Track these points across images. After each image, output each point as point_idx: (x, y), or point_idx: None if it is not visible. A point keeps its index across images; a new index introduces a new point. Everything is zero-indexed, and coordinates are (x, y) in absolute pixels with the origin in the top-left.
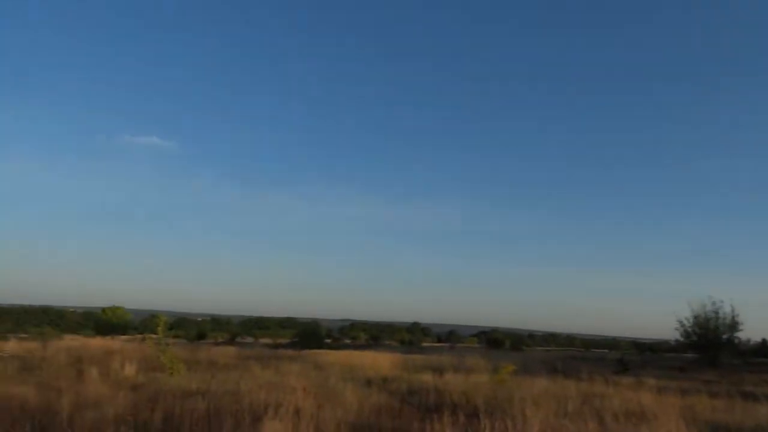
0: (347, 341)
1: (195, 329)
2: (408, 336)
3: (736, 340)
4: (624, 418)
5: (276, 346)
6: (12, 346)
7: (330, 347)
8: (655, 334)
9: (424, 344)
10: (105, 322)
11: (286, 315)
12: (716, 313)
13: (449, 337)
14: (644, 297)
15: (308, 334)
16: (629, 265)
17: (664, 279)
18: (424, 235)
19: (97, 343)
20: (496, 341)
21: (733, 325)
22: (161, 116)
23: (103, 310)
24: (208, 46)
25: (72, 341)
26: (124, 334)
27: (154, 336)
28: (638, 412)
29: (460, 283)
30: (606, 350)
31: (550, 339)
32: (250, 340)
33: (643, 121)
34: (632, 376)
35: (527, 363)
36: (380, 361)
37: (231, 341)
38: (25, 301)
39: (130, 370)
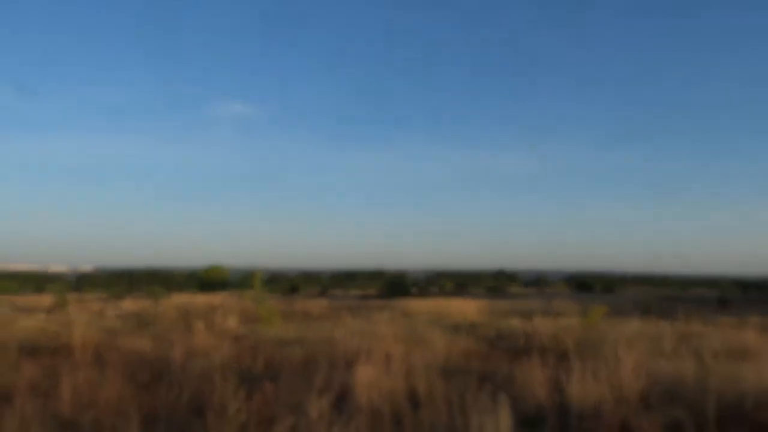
0: (434, 290)
1: (288, 284)
2: (494, 283)
3: None
4: (724, 357)
5: (365, 297)
6: (128, 304)
7: (417, 296)
8: (762, 270)
9: (511, 290)
10: (207, 280)
11: (374, 267)
12: None
13: (537, 282)
14: (748, 231)
15: (395, 285)
16: (728, 197)
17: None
18: (509, 180)
19: (201, 299)
20: (586, 285)
21: None
22: (244, 82)
23: (205, 269)
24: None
25: (179, 299)
26: (224, 291)
27: (251, 291)
28: (740, 350)
29: (547, 228)
30: (705, 290)
31: (644, 280)
32: (340, 292)
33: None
34: (734, 315)
35: (619, 305)
36: (467, 307)
37: (322, 294)
38: (136, 264)
39: (231, 322)
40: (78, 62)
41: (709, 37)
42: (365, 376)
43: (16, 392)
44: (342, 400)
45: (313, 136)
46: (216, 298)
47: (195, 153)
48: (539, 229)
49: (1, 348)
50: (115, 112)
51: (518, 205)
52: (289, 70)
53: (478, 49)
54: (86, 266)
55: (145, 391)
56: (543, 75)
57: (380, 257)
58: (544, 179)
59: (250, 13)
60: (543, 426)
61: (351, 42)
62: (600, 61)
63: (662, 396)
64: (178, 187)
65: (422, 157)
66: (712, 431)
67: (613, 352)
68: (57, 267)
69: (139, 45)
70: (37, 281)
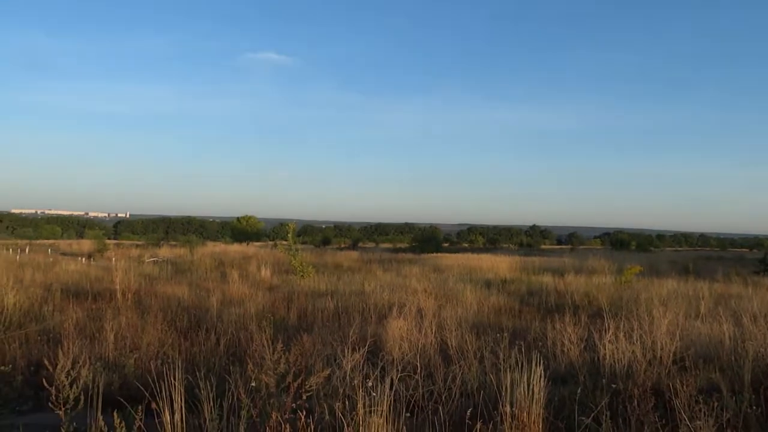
0: (465, 245)
1: (320, 236)
2: (527, 239)
3: None
4: (765, 321)
5: (396, 251)
6: (164, 252)
7: (448, 251)
8: None
9: (544, 247)
10: (240, 230)
11: (405, 221)
12: None
13: (570, 239)
14: None
15: (427, 239)
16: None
17: None
18: (541, 136)
19: (235, 248)
20: (621, 242)
21: None
22: (277, 32)
23: (238, 219)
24: None
25: (214, 247)
26: (257, 241)
27: (284, 242)
28: None
29: (581, 184)
30: (746, 250)
31: (682, 239)
32: (371, 245)
33: None
34: None
35: (655, 264)
36: (498, 263)
37: (353, 246)
38: (171, 212)
39: (265, 272)
40: (116, 14)
41: None
42: (397, 330)
43: (64, 334)
44: (374, 353)
45: (346, 85)
46: (250, 248)
47: (230, 103)
48: (573, 185)
49: (47, 291)
50: (153, 62)
51: (552, 161)
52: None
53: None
54: (123, 213)
55: (184, 338)
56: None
57: (411, 211)
58: (582, 136)
59: None
60: (574, 384)
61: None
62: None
63: (697, 358)
64: (213, 137)
65: (457, 112)
66: (748, 395)
67: (647, 312)
68: (96, 213)
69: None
70: (78, 226)
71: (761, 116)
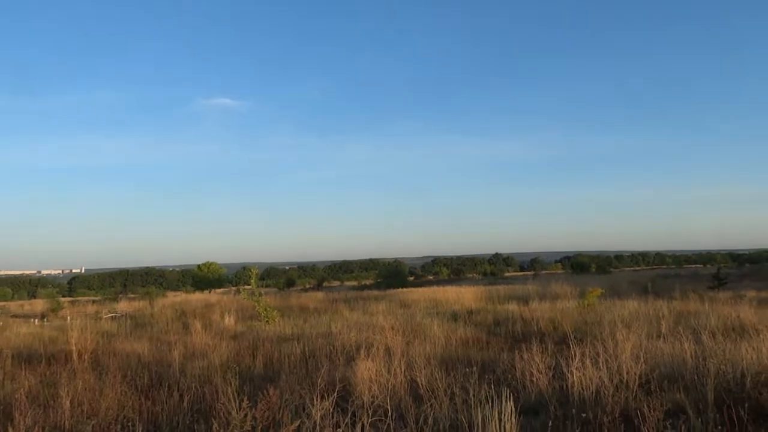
0: (430, 277)
1: (284, 277)
2: (490, 267)
3: None
4: (722, 336)
5: (361, 288)
6: (123, 305)
7: (413, 285)
8: (755, 243)
9: (507, 274)
10: (202, 277)
11: (369, 257)
12: None
13: (533, 265)
14: (740, 204)
15: (391, 274)
16: (721, 173)
17: (762, 183)
18: (498, 165)
19: (197, 297)
20: (581, 265)
21: None
22: (228, 78)
23: (199, 266)
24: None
25: (174, 297)
26: (219, 288)
27: (247, 287)
28: (738, 328)
29: (540, 211)
30: (700, 266)
31: (639, 258)
32: (336, 283)
33: None
34: (730, 290)
35: (615, 285)
36: (464, 294)
37: (318, 286)
38: (128, 264)
39: (229, 320)
40: (60, 66)
41: None
42: (366, 372)
43: (15, 404)
44: (344, 398)
45: (299, 128)
46: (212, 296)
47: (183, 150)
48: (533, 211)
49: None
50: (103, 114)
51: (511, 190)
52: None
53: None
54: (78, 268)
55: (145, 397)
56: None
57: (375, 247)
58: (536, 165)
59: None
60: (544, 414)
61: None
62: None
63: (662, 380)
64: (167, 186)
65: (415, 145)
66: (713, 414)
67: (611, 336)
68: (49, 270)
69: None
70: (29, 285)
71: (709, 138)
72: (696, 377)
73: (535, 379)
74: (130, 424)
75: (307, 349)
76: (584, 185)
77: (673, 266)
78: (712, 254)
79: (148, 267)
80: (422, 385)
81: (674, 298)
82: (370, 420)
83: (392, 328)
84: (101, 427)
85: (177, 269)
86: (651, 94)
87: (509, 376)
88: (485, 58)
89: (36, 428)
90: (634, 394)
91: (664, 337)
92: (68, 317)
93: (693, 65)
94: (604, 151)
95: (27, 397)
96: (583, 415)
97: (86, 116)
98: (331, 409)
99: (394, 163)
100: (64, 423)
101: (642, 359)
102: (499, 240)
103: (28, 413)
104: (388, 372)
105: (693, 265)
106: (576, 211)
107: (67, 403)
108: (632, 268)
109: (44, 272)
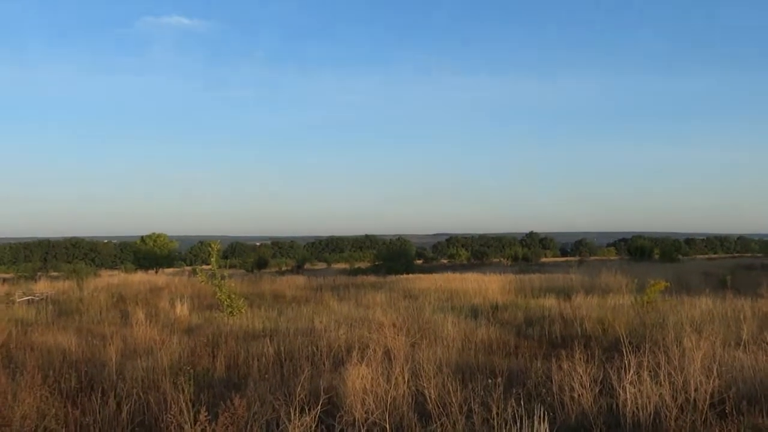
0: (443, 261)
1: (254, 256)
2: (523, 251)
3: None
4: None
5: (354, 272)
6: (42, 286)
7: (421, 270)
8: None
9: (545, 260)
10: (146, 253)
11: (364, 232)
12: None
13: (577, 248)
14: None
15: (394, 255)
16: None
17: None
18: (536, 117)
19: (140, 278)
20: (641, 251)
21: None
22: None
23: (142, 238)
24: None
25: (111, 278)
26: (170, 267)
27: (206, 267)
28: None
29: (590, 179)
30: None
31: (716, 244)
32: (321, 266)
33: None
34: None
35: (684, 277)
36: (487, 284)
37: (298, 269)
38: (51, 234)
39: (182, 310)
40: None
41: None
42: (358, 380)
43: None
44: (330, 413)
45: (274, 57)
46: (159, 278)
47: (122, 83)
48: (580, 180)
49: None
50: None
51: (551, 149)
52: None
53: None
54: None
55: (72, 404)
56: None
57: (373, 220)
58: (589, 116)
59: None
60: None
61: None
62: None
63: (740, 400)
64: (101, 130)
65: (425, 84)
66: None
67: (676, 342)
68: None
69: None
70: None
71: None
72: None
73: (576, 395)
74: None
75: (282, 349)
76: (646, 141)
77: (759, 255)
78: None
79: (75, 238)
80: (431, 398)
81: (760, 295)
82: None
83: (394, 326)
84: None
85: (113, 241)
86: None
87: (543, 390)
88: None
89: None
90: (703, 418)
91: (744, 346)
92: None
93: None
94: (681, 95)
95: None
96: None
97: None
98: (314, 426)
99: (399, 107)
100: None
101: (715, 373)
102: (535, 215)
103: None
104: (388, 381)
105: None
106: (635, 179)
107: None
108: (707, 256)
109: None
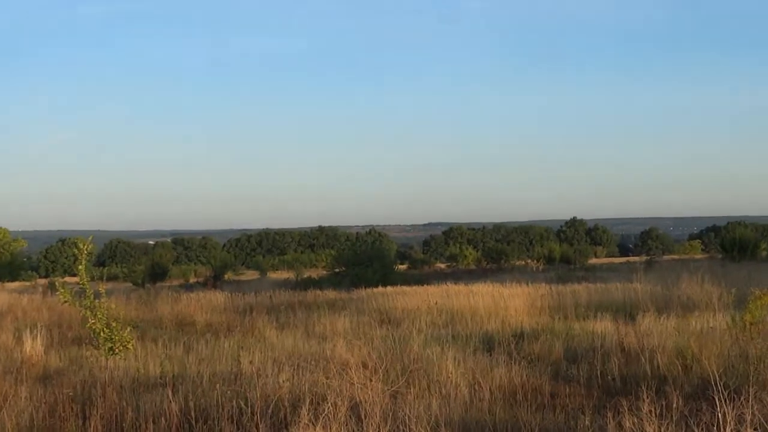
0: (441, 265)
1: (145, 261)
2: (561, 248)
3: None
4: None
5: (303, 285)
6: None
7: (407, 280)
8: None
9: (594, 261)
10: None
11: (317, 223)
12: None
13: (644, 242)
14: None
15: (364, 258)
16: None
17: None
18: (579, 47)
19: None
20: (739, 245)
21: None
22: None
23: None
24: None
25: None
26: (15, 280)
27: (70, 280)
28: None
29: (659, 143)
30: None
31: None
32: (252, 275)
33: None
34: None
35: None
36: (509, 300)
37: (215, 280)
38: None
39: (34, 346)
40: None
41: None
42: None
43: None
44: None
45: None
46: None
47: None
48: (645, 145)
49: None
50: None
51: (596, 97)
52: None
53: None
54: None
55: None
56: None
57: (329, 204)
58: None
59: None
60: None
61: None
62: None
63: None
64: None
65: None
66: None
67: None
68: None
69: None
70: None
71: None
72: None
73: None
74: None
75: (193, 405)
76: (744, 83)
77: None
78: None
79: None
80: None
81: None
82: None
83: (364, 366)
84: None
85: None
86: None
87: None
88: None
89: None
90: None
91: None
92: None
93: None
94: None
95: None
96: None
97: None
98: None
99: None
100: None
101: None
102: (580, 195)
103: None
104: None
105: None
106: (731, 139)
107: None
108: None
109: None
